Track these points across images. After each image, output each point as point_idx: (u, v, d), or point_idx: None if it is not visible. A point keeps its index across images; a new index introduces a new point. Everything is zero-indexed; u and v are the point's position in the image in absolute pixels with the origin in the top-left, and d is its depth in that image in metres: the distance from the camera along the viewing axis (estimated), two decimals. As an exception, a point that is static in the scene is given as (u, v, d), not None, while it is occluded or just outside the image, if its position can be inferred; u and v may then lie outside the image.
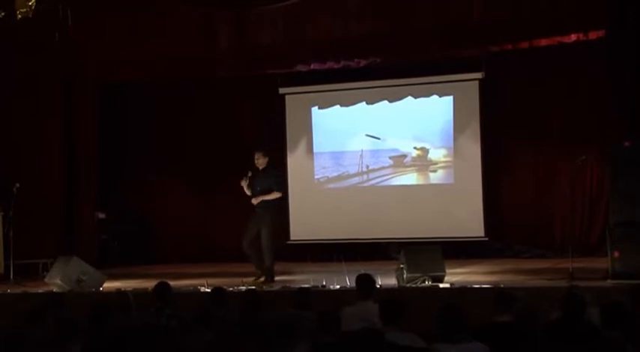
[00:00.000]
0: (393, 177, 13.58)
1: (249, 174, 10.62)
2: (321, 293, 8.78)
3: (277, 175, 10.96)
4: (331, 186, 13.85)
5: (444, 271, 9.35)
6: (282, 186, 11.00)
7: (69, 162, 13.48)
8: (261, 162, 10.58)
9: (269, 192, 10.54)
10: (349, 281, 8.96)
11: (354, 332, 4.83)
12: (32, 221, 12.51)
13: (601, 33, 10.96)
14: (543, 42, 11.77)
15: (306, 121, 13.94)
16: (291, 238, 13.79)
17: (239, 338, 4.67)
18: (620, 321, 5.23)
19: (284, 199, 13.68)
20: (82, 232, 13.42)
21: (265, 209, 10.48)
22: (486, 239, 12.85)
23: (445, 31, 11.47)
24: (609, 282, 8.74)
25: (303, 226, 13.81)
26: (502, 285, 8.79)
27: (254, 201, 10.45)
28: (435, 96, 13.32)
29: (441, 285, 9.06)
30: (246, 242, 10.57)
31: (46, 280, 10.56)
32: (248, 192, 10.63)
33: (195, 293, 9.37)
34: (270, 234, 10.45)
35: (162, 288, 7.11)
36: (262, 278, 10.36)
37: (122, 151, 14.78)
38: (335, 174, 13.86)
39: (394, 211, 13.30)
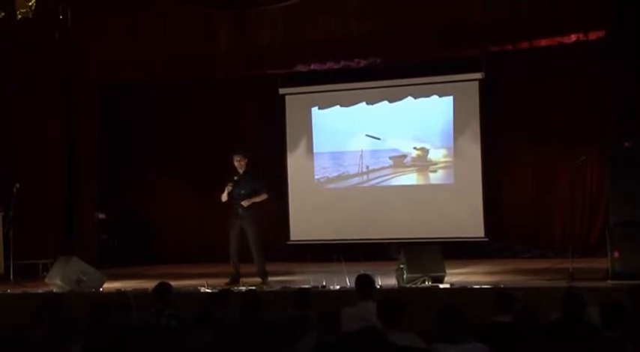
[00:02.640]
0: (393, 178, 13.58)
1: (235, 178, 10.42)
2: (321, 294, 8.77)
3: (263, 177, 10.85)
4: (331, 186, 13.84)
5: (444, 271, 9.34)
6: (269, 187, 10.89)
7: (69, 162, 13.48)
8: (242, 164, 10.42)
9: (255, 194, 10.45)
10: (349, 282, 8.95)
11: (354, 332, 4.83)
12: (32, 221, 12.51)
13: (601, 33, 10.96)
14: (543, 42, 11.77)
15: (306, 121, 13.94)
16: (291, 238, 13.79)
17: (239, 339, 4.67)
18: (620, 321, 5.23)
19: (284, 199, 13.76)
20: (82, 232, 13.43)
21: (250, 210, 10.40)
22: (486, 239, 12.86)
23: (445, 31, 11.47)
24: (609, 282, 8.74)
25: (303, 226, 13.80)
26: (502, 285, 8.79)
27: (245, 203, 10.31)
28: (435, 97, 13.32)
29: (441, 286, 9.06)
30: (234, 246, 10.42)
31: (46, 280, 10.55)
32: (224, 198, 10.40)
33: (195, 294, 9.36)
34: (257, 235, 10.40)
35: (163, 289, 7.09)
36: (229, 281, 10.23)
37: (122, 151, 14.78)
38: (335, 174, 13.86)
39: (394, 211, 13.31)
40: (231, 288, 8.79)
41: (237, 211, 10.39)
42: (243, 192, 10.36)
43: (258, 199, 10.44)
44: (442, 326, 5.03)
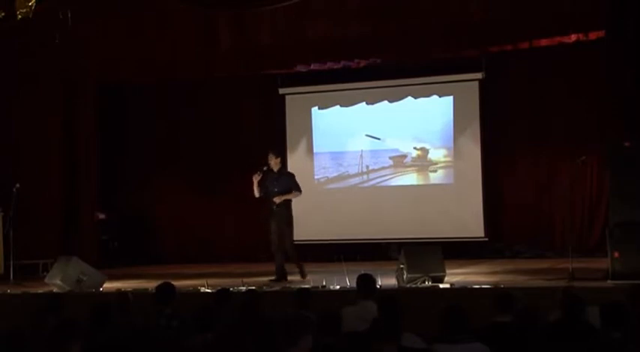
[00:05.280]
0: (393, 178, 13.58)
1: (265, 168, 10.50)
2: (321, 294, 8.76)
3: (294, 176, 10.91)
4: (331, 186, 13.84)
5: (444, 271, 9.33)
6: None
7: (69, 162, 13.48)
8: (274, 162, 10.50)
9: (289, 192, 10.50)
10: (349, 281, 8.95)
11: (359, 333, 4.84)
12: (32, 221, 12.51)
13: (601, 33, 10.96)
14: (543, 42, 11.79)
15: (306, 121, 13.94)
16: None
17: (239, 339, 4.67)
18: (620, 321, 5.23)
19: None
20: (82, 232, 13.42)
21: (285, 208, 10.46)
22: (486, 239, 12.86)
23: (445, 31, 11.47)
24: (609, 282, 8.73)
25: (303, 226, 13.67)
26: (502, 285, 8.79)
27: (277, 200, 10.36)
28: (435, 97, 13.33)
29: (441, 286, 9.04)
30: (275, 243, 10.46)
31: (46, 280, 10.54)
32: (257, 192, 10.45)
33: (196, 294, 9.36)
34: (292, 233, 10.48)
35: (166, 289, 7.02)
36: (274, 278, 10.31)
37: (122, 151, 14.78)
38: (335, 174, 13.86)
39: (394, 211, 13.31)
40: (231, 288, 8.79)
41: (271, 209, 10.45)
42: (276, 189, 10.41)
43: (291, 197, 10.49)
44: (445, 326, 5.03)
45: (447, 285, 9.07)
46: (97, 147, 13.72)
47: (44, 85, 13.27)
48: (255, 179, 10.39)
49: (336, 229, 13.40)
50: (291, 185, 10.56)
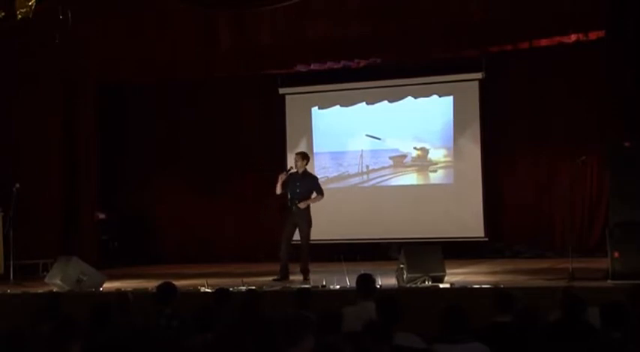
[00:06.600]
0: (393, 178, 13.59)
1: (290, 170, 10.50)
2: (321, 294, 8.76)
3: (317, 179, 10.92)
4: (331, 186, 13.81)
5: (444, 271, 9.34)
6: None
7: (69, 162, 13.48)
8: (300, 164, 10.48)
9: (310, 193, 10.48)
10: (349, 281, 8.95)
11: (358, 332, 4.83)
12: (32, 221, 12.50)
13: (601, 33, 10.97)
14: (543, 42, 11.80)
15: (306, 121, 13.95)
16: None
17: (239, 338, 4.67)
18: (620, 321, 5.23)
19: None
20: (82, 232, 13.41)
21: (305, 210, 10.47)
22: (486, 239, 12.86)
23: (445, 31, 11.48)
24: (609, 282, 8.73)
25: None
26: (502, 285, 8.79)
27: (302, 206, 10.31)
28: (435, 97, 13.33)
29: (441, 285, 9.05)
30: (285, 242, 10.46)
31: (46, 280, 10.54)
32: (278, 189, 10.46)
33: (196, 294, 9.36)
34: (308, 232, 10.46)
35: (167, 289, 7.00)
36: (278, 277, 10.33)
37: (122, 151, 14.78)
38: (335, 174, 13.86)
39: (394, 211, 13.31)
40: (231, 288, 8.78)
41: (291, 208, 10.45)
42: (299, 191, 10.41)
43: (314, 201, 10.49)
44: (445, 326, 5.03)
45: (447, 285, 9.07)
46: (97, 147, 13.71)
47: (44, 85, 13.27)
48: (281, 178, 10.41)
49: (336, 229, 13.39)
50: (313, 187, 10.56)
